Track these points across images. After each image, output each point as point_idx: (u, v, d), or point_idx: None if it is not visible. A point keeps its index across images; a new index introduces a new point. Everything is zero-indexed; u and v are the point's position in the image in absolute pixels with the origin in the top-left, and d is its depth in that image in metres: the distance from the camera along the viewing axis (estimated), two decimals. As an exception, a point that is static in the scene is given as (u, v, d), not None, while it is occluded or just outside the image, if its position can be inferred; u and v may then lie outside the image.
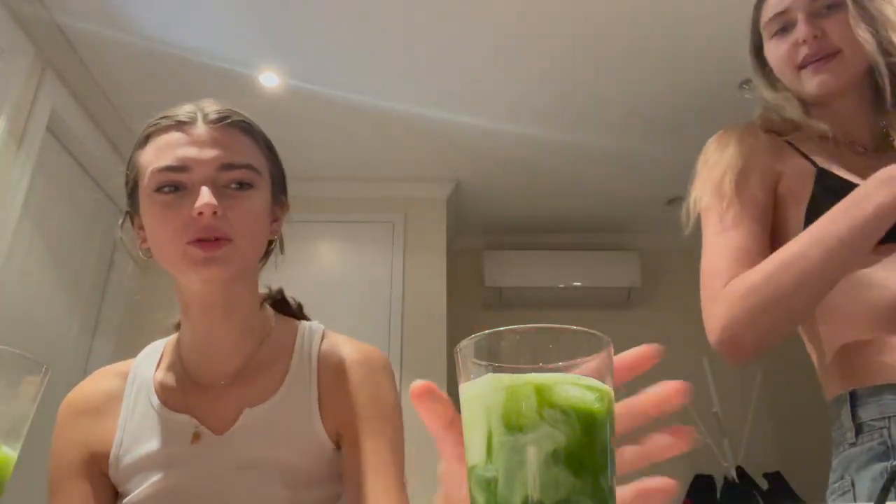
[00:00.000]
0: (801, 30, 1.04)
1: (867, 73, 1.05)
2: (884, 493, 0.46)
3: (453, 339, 1.55)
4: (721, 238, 1.00)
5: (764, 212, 1.03)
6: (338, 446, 0.87)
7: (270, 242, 0.95)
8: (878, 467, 0.88)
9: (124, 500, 0.87)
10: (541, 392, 0.36)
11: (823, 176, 1.01)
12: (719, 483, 3.12)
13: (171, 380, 0.91)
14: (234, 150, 0.85)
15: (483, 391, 0.37)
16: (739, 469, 3.04)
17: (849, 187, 0.92)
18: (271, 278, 1.00)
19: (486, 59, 2.57)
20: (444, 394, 0.41)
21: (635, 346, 0.42)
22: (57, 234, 2.62)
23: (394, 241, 3.23)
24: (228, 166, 0.84)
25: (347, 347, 0.93)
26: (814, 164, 1.03)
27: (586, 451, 0.36)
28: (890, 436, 0.89)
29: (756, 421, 3.15)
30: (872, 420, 0.91)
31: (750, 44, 1.18)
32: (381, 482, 0.82)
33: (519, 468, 0.36)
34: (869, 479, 0.89)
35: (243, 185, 0.84)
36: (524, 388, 0.36)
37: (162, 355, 0.95)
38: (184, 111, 0.87)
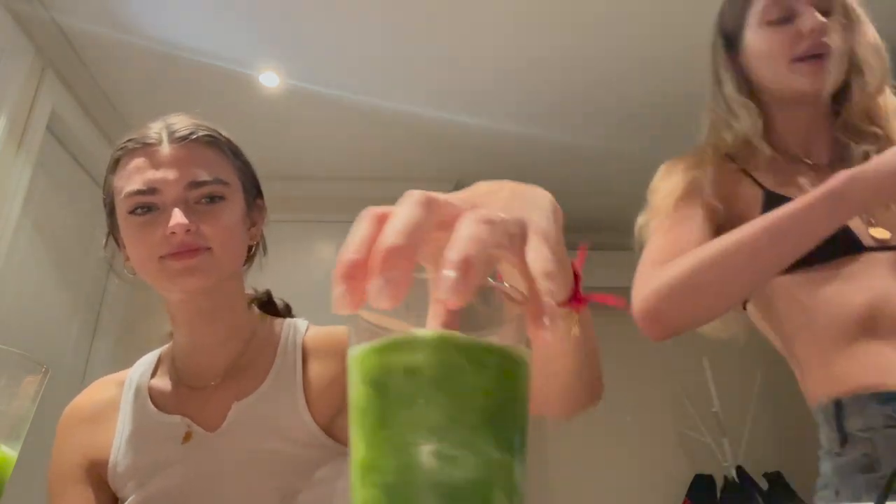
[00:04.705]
0: (812, 20, 0.99)
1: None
2: (884, 493, 0.46)
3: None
4: (664, 237, 0.99)
5: (705, 228, 0.99)
6: (328, 433, 0.87)
7: (252, 247, 0.97)
8: (861, 479, 0.88)
9: None
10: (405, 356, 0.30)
11: (771, 198, 1.00)
12: (719, 483, 3.12)
13: (165, 384, 0.93)
14: (201, 167, 0.87)
15: (350, 360, 0.32)
16: (739, 469, 3.04)
17: None
18: (264, 279, 1.01)
19: (485, 59, 2.57)
20: None
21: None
22: (57, 234, 2.62)
23: (394, 241, 3.23)
24: (196, 184, 0.85)
25: (332, 331, 0.95)
26: (762, 186, 1.03)
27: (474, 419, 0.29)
28: (874, 448, 0.88)
29: (756, 421, 3.15)
30: (857, 431, 0.90)
31: (719, 33, 1.13)
32: None
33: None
34: (851, 490, 0.89)
35: (214, 199, 0.86)
36: (377, 354, 0.31)
37: (158, 362, 0.98)
38: (151, 131, 0.88)
